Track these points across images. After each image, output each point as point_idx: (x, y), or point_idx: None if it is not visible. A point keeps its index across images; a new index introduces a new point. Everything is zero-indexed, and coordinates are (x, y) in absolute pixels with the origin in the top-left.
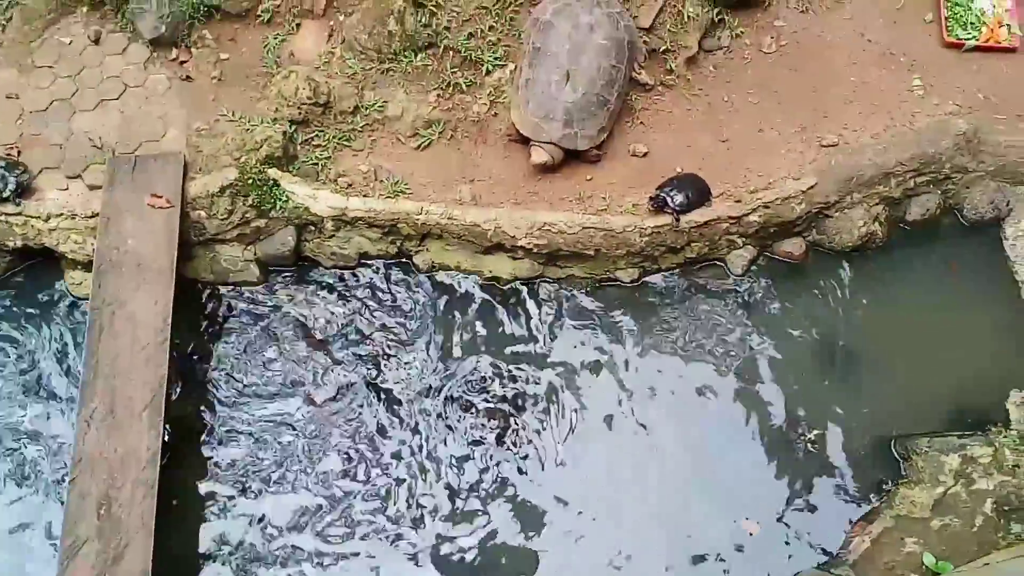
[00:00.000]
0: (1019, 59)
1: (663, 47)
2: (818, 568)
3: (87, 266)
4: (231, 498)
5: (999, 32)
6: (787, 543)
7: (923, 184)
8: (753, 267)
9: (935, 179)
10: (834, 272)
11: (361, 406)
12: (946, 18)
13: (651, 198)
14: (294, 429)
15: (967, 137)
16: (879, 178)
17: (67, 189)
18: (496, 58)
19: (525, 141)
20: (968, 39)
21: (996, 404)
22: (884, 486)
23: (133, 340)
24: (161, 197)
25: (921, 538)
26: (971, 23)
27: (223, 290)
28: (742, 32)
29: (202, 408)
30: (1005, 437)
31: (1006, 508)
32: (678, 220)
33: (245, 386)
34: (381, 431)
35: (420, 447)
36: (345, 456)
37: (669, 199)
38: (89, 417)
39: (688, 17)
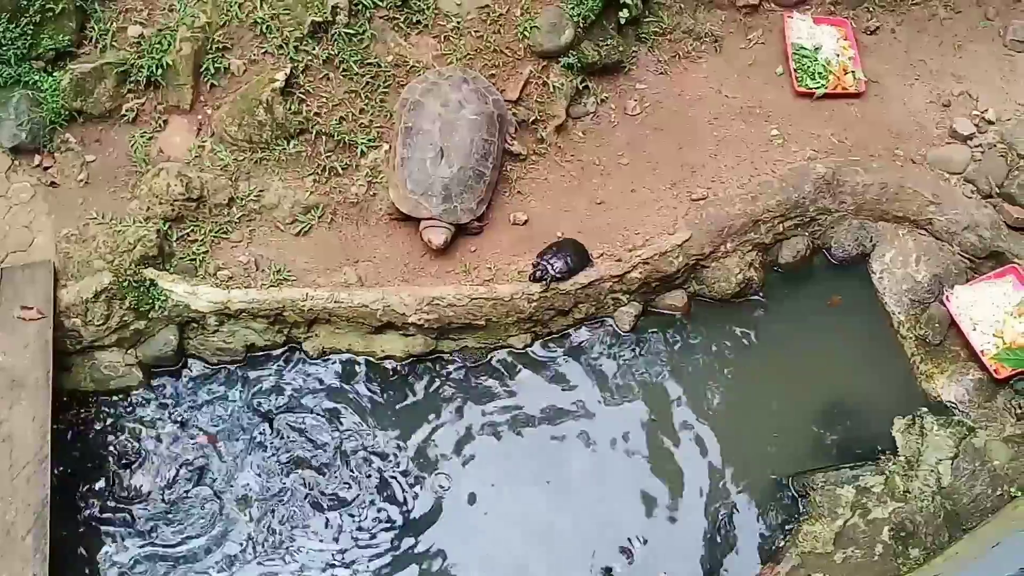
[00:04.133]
0: (866, 103)
1: (532, 117)
2: None
3: None
4: None
5: (845, 79)
6: None
7: (791, 228)
8: (640, 322)
9: (802, 222)
10: (717, 320)
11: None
12: (795, 70)
13: (533, 265)
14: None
15: (826, 180)
16: (749, 226)
17: None
18: (369, 140)
19: (406, 219)
20: (817, 88)
21: (882, 432)
22: (788, 525)
23: (11, 461)
24: (32, 308)
25: (827, 573)
26: (819, 73)
27: (104, 398)
28: (607, 97)
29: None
30: (894, 464)
31: (903, 534)
32: (547, 287)
33: (132, 499)
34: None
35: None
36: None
37: (549, 267)
38: None
39: (553, 87)
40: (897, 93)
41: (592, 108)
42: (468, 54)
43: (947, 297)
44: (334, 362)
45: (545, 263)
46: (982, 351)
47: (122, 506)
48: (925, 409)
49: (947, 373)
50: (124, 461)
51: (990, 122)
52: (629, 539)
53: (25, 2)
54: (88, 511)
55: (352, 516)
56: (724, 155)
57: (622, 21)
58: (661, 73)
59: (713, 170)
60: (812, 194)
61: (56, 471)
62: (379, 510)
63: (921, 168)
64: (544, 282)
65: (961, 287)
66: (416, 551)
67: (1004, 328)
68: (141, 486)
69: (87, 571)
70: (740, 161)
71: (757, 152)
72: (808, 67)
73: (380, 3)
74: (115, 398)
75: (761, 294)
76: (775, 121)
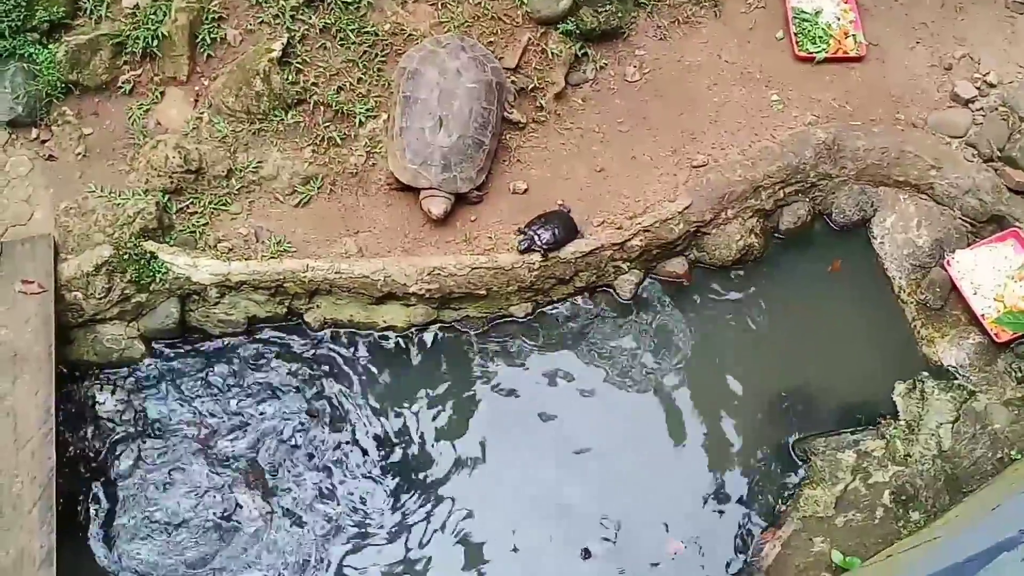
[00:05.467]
0: (867, 67)
1: (531, 85)
2: None
3: None
4: None
5: (846, 43)
6: (703, 556)
7: (792, 194)
8: (641, 290)
9: (802, 188)
10: (718, 286)
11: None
12: (795, 34)
13: (520, 232)
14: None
15: (827, 145)
16: (750, 192)
17: None
18: (368, 110)
19: (405, 189)
20: (818, 52)
21: (883, 397)
22: (789, 489)
23: (16, 435)
24: (33, 282)
25: (828, 536)
26: (819, 37)
27: (107, 371)
28: (606, 64)
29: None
30: (895, 428)
31: (903, 498)
32: (545, 256)
33: (136, 470)
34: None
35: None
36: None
37: (536, 237)
38: None
39: (552, 54)
40: (898, 57)
41: (591, 75)
42: (466, 21)
43: (948, 261)
44: (336, 333)
45: (532, 233)
46: (983, 315)
47: (127, 478)
48: (926, 373)
49: (948, 337)
50: (127, 433)
51: (991, 85)
52: (630, 505)
53: None
54: (94, 483)
55: (354, 487)
56: (724, 121)
57: None
58: (661, 39)
59: (713, 136)
60: (813, 159)
61: (60, 443)
62: (381, 481)
63: (922, 132)
64: (528, 252)
65: (962, 251)
66: (421, 522)
67: (1005, 292)
68: (144, 458)
69: (93, 542)
70: (740, 127)
71: (757, 118)
72: (808, 31)
73: None
74: (118, 370)
75: (762, 260)
76: (775, 86)
